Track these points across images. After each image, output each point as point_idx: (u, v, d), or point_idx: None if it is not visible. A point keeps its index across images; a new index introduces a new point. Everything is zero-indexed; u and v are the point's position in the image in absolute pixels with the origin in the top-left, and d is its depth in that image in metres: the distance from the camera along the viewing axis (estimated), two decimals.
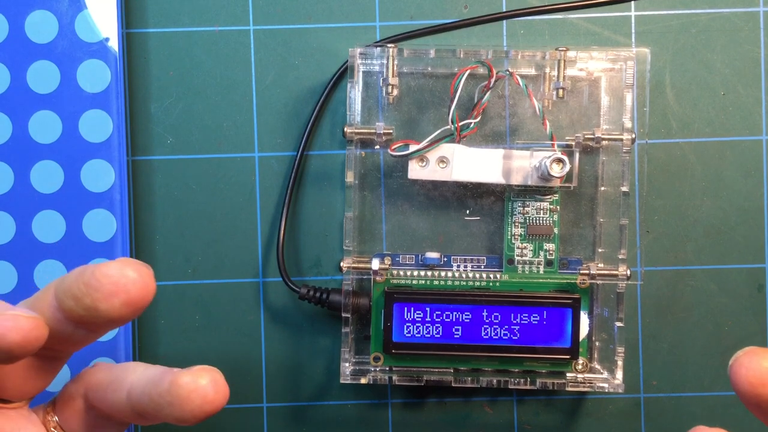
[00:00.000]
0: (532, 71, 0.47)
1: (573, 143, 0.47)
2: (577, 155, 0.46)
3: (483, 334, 0.46)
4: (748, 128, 0.49)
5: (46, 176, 0.47)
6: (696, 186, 0.49)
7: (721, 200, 0.49)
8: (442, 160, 0.46)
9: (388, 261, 0.48)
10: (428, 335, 0.46)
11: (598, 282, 0.47)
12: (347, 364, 0.47)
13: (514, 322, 0.46)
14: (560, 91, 0.46)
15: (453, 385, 0.47)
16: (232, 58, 0.49)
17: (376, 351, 0.47)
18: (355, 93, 0.46)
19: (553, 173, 0.45)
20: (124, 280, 0.32)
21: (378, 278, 0.47)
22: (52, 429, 0.37)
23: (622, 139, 0.46)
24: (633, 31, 0.49)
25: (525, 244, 0.47)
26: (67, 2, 0.47)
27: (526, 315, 0.46)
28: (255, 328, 0.49)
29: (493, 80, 0.46)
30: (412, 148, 0.46)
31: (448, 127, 0.46)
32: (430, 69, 0.47)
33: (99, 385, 0.36)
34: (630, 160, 0.46)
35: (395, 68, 0.46)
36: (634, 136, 0.46)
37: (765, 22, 0.49)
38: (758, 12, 0.49)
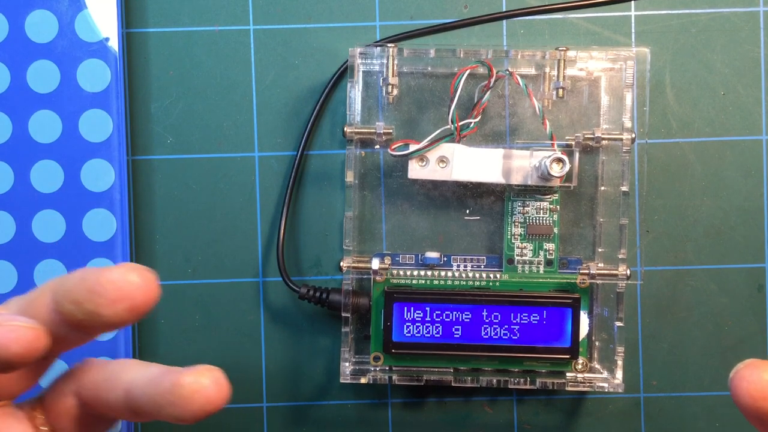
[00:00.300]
0: (532, 71, 0.47)
1: (573, 143, 0.47)
2: (577, 155, 0.46)
3: (483, 333, 0.46)
4: (748, 128, 0.49)
5: (46, 176, 0.47)
6: (696, 186, 0.49)
7: (721, 200, 0.49)
8: (442, 159, 0.46)
9: (388, 261, 0.48)
10: (428, 335, 0.46)
11: (598, 282, 0.47)
12: (347, 364, 0.47)
13: (514, 321, 0.46)
14: (560, 91, 0.46)
15: (453, 384, 0.47)
16: (232, 58, 0.49)
17: (376, 351, 0.47)
18: (355, 93, 0.46)
19: (553, 173, 0.45)
20: (128, 286, 0.32)
21: (378, 278, 0.47)
22: (40, 427, 0.36)
23: (622, 139, 0.46)
24: (633, 30, 0.49)
25: (525, 244, 0.47)
26: (67, 2, 0.47)
27: (526, 315, 0.46)
28: (255, 328, 0.49)
29: (493, 80, 0.46)
30: (412, 147, 0.46)
31: (448, 126, 0.46)
32: (430, 69, 0.48)
33: (93, 383, 0.36)
34: (630, 160, 0.46)
35: (395, 68, 0.46)
36: (634, 135, 0.46)
37: (765, 22, 0.49)
38: (758, 12, 0.49)
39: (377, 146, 0.47)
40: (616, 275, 0.46)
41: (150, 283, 0.33)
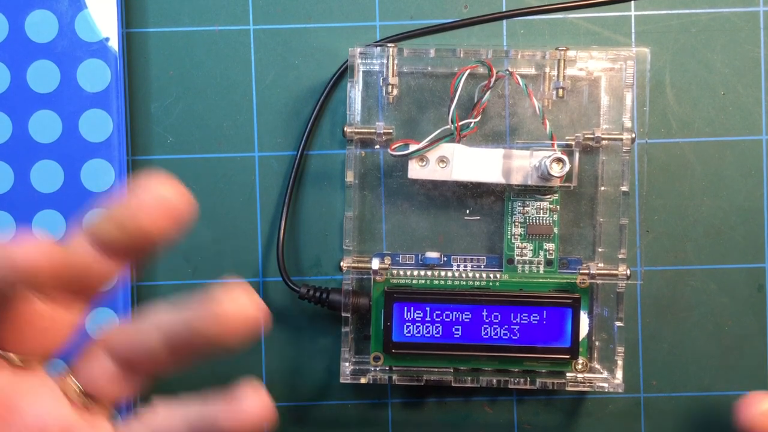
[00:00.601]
0: (532, 71, 0.47)
1: (573, 143, 0.47)
2: (577, 155, 0.46)
3: (483, 333, 0.46)
4: (748, 128, 0.49)
5: (46, 176, 0.47)
6: (696, 186, 0.49)
7: (721, 200, 0.49)
8: (442, 159, 0.46)
9: (388, 261, 0.48)
10: (428, 335, 0.46)
11: (598, 282, 0.47)
12: (347, 364, 0.47)
13: (514, 321, 0.46)
14: (560, 91, 0.46)
15: (453, 384, 0.47)
16: (232, 58, 0.49)
17: (376, 351, 0.47)
18: (355, 93, 0.46)
19: (553, 173, 0.45)
20: (167, 194, 0.33)
21: (378, 278, 0.47)
22: (74, 394, 0.35)
23: (622, 139, 0.46)
24: (633, 31, 0.49)
25: (525, 244, 0.47)
26: (67, 2, 0.47)
27: (526, 315, 0.46)
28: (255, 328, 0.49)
29: (493, 80, 0.46)
30: (412, 147, 0.46)
31: (448, 126, 0.46)
32: (430, 69, 0.47)
33: (125, 337, 0.35)
34: (630, 160, 0.46)
35: (395, 68, 0.46)
36: (634, 135, 0.46)
37: (765, 22, 0.49)
38: (758, 12, 0.49)
39: (377, 146, 0.47)
40: (616, 275, 0.46)
41: (184, 193, 0.33)
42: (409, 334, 0.46)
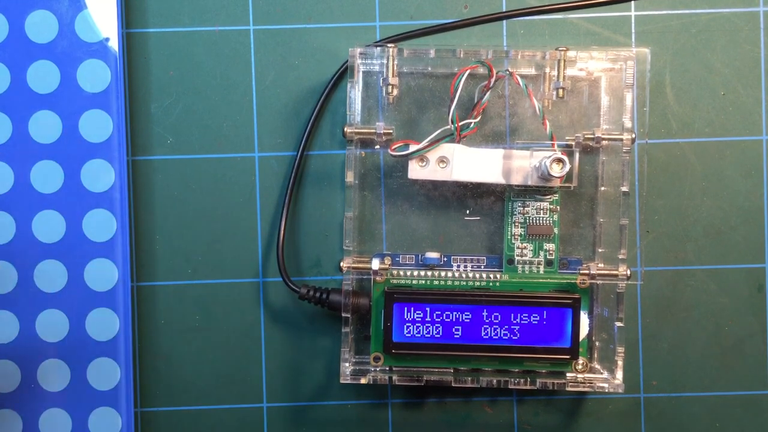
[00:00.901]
0: (532, 71, 0.47)
1: (573, 143, 0.47)
2: (577, 155, 0.46)
3: (483, 334, 0.46)
4: (748, 128, 0.49)
5: (46, 176, 0.47)
6: (696, 186, 0.49)
7: (721, 200, 0.49)
8: (442, 160, 0.46)
9: (388, 261, 0.48)
10: (428, 335, 0.46)
11: (598, 282, 0.47)
12: (347, 364, 0.47)
13: (514, 322, 0.46)
14: (560, 91, 0.46)
15: (453, 385, 0.47)
16: (232, 58, 0.49)
17: (376, 351, 0.47)
18: (355, 93, 0.46)
19: (553, 173, 0.45)
20: None
21: (378, 278, 0.47)
22: None
23: (622, 139, 0.46)
24: (633, 31, 0.49)
25: (525, 244, 0.47)
26: (67, 2, 0.47)
27: (526, 315, 0.46)
28: (255, 328, 0.49)
29: (493, 80, 0.46)
30: (412, 148, 0.46)
31: (448, 127, 0.46)
32: (430, 69, 0.47)
33: None
34: (630, 160, 0.46)
35: (395, 68, 0.46)
36: (634, 136, 0.46)
37: (765, 22, 0.49)
38: (758, 12, 0.49)
39: (377, 146, 0.47)
40: (616, 275, 0.46)
41: None
42: (409, 335, 0.46)
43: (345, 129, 0.46)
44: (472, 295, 0.46)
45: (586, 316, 0.47)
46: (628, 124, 0.46)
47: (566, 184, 0.47)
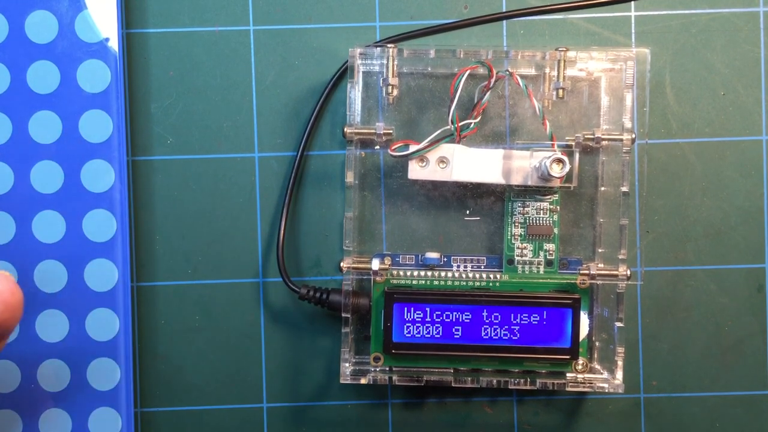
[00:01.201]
0: (532, 71, 0.47)
1: (573, 143, 0.47)
2: (577, 155, 0.46)
3: (483, 334, 0.46)
4: (748, 128, 0.49)
5: (46, 176, 0.47)
6: (696, 186, 0.49)
7: (721, 200, 0.49)
8: (442, 160, 0.46)
9: (388, 261, 0.48)
10: (428, 335, 0.46)
11: (598, 282, 0.47)
12: (347, 364, 0.47)
13: (514, 322, 0.46)
14: (560, 91, 0.46)
15: (453, 385, 0.47)
16: (232, 58, 0.49)
17: (376, 351, 0.47)
18: (355, 93, 0.46)
19: (553, 173, 0.45)
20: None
21: (378, 278, 0.47)
22: None
23: (622, 139, 0.46)
24: (633, 31, 0.49)
25: (525, 244, 0.47)
26: (67, 2, 0.47)
27: (526, 315, 0.46)
28: (255, 328, 0.49)
29: (493, 80, 0.46)
30: (412, 148, 0.46)
31: (448, 127, 0.46)
32: (430, 69, 0.47)
33: None
34: (630, 160, 0.46)
35: (395, 68, 0.46)
36: (634, 136, 0.46)
37: (765, 22, 0.49)
38: (758, 12, 0.49)
39: (377, 147, 0.47)
40: (616, 276, 0.46)
41: (12, 283, 0.34)
42: (409, 335, 0.46)
43: (345, 129, 0.46)
44: (472, 295, 0.46)
45: (586, 316, 0.47)
46: (628, 124, 0.46)
47: (566, 185, 0.47)
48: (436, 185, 0.48)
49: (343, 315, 0.47)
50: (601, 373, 0.47)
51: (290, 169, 0.49)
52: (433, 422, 0.50)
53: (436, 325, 0.46)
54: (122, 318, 0.47)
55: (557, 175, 0.45)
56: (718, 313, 0.49)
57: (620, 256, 0.46)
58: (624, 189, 0.46)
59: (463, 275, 0.47)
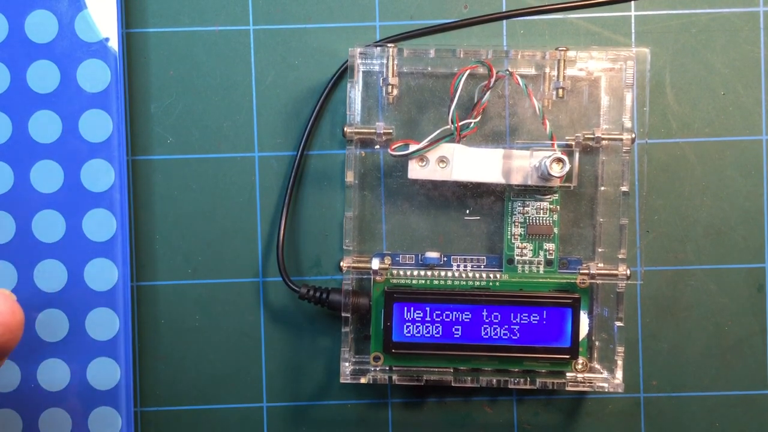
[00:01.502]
0: (532, 71, 0.47)
1: (573, 143, 0.47)
2: (577, 155, 0.46)
3: (483, 333, 0.46)
4: (748, 128, 0.49)
5: (46, 176, 0.47)
6: (696, 186, 0.49)
7: (721, 200, 0.49)
8: (442, 159, 0.46)
9: (388, 261, 0.48)
10: (428, 335, 0.46)
11: (598, 282, 0.47)
12: (347, 364, 0.47)
13: (514, 321, 0.46)
14: (560, 91, 0.46)
15: (453, 384, 0.47)
16: (232, 58, 0.49)
17: (376, 351, 0.47)
18: (355, 93, 0.46)
19: (553, 173, 0.45)
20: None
21: (378, 278, 0.47)
22: None
23: (622, 139, 0.46)
24: (633, 31, 0.49)
25: (525, 244, 0.47)
26: (67, 2, 0.47)
27: (526, 315, 0.46)
28: (255, 328, 0.49)
29: (493, 80, 0.46)
30: (412, 147, 0.46)
31: (448, 126, 0.46)
32: (430, 69, 0.47)
33: None
34: (630, 160, 0.46)
35: (395, 68, 0.46)
36: (634, 135, 0.46)
37: (765, 22, 0.49)
38: (758, 12, 0.49)
39: (377, 146, 0.47)
40: (616, 275, 0.46)
41: (13, 303, 0.34)
42: (409, 334, 0.46)
43: (345, 129, 0.46)
44: (472, 294, 0.46)
45: (586, 315, 0.47)
46: (628, 124, 0.46)
47: (566, 184, 0.47)
48: (436, 185, 0.48)
49: (343, 314, 0.47)
50: (601, 373, 0.47)
51: (290, 168, 0.49)
52: (433, 422, 0.49)
53: (436, 324, 0.46)
54: (122, 318, 0.47)
55: (557, 175, 0.45)
56: (718, 313, 0.49)
57: (620, 256, 0.46)
58: (624, 189, 0.46)
59: (463, 275, 0.47)
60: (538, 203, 0.47)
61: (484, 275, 0.47)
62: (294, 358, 0.49)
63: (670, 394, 0.49)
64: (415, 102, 0.48)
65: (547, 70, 0.46)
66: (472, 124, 0.46)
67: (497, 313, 0.46)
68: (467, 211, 0.48)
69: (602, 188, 0.47)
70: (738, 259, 0.49)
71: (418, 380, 0.47)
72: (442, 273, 0.47)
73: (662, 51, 0.49)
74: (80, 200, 0.47)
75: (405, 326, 0.46)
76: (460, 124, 0.46)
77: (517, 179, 0.46)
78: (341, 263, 0.46)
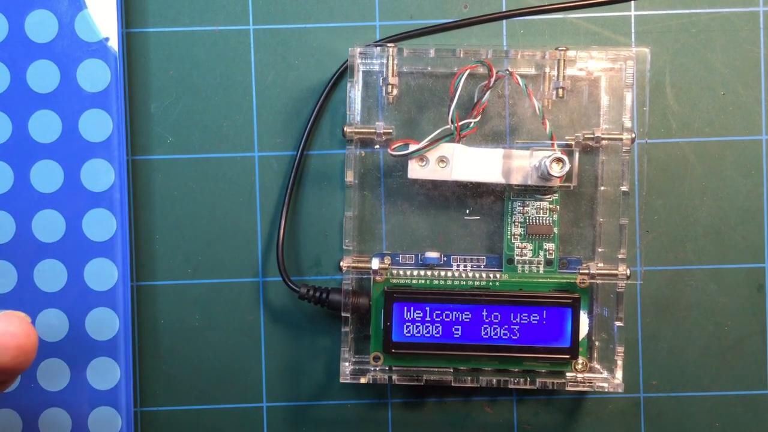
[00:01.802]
0: (532, 71, 0.47)
1: (573, 143, 0.47)
2: (576, 155, 0.46)
3: (483, 333, 0.46)
4: (748, 128, 0.49)
5: (46, 176, 0.47)
6: (696, 186, 0.49)
7: (721, 200, 0.49)
8: (442, 159, 0.46)
9: (387, 261, 0.48)
10: (428, 335, 0.46)
11: (598, 282, 0.47)
12: (347, 364, 0.47)
13: (514, 321, 0.46)
14: (560, 91, 0.46)
15: (453, 384, 0.47)
16: (232, 58, 0.49)
17: (375, 351, 0.47)
18: (355, 93, 0.46)
19: (552, 173, 0.45)
20: (9, 336, 0.35)
21: (378, 278, 0.47)
22: None
23: (621, 139, 0.46)
24: (633, 31, 0.49)
25: (525, 244, 0.47)
26: (67, 2, 0.47)
27: (526, 315, 0.46)
28: (255, 328, 0.49)
29: (493, 80, 0.46)
30: (412, 147, 0.46)
31: (448, 126, 0.46)
32: (430, 69, 0.48)
33: None
34: (630, 160, 0.46)
35: (395, 68, 0.46)
36: (633, 135, 0.46)
37: (765, 22, 0.49)
38: (758, 12, 0.49)
39: (377, 146, 0.47)
40: (616, 275, 0.46)
41: (27, 327, 0.34)
42: (409, 334, 0.46)
43: (345, 129, 0.46)
44: (472, 294, 0.46)
45: (586, 315, 0.47)
46: (627, 123, 0.46)
47: (566, 184, 0.47)
48: (436, 185, 0.48)
49: (343, 314, 0.47)
50: (601, 373, 0.47)
51: (290, 168, 0.49)
52: (433, 422, 0.49)
53: (436, 324, 0.46)
54: (122, 318, 0.47)
55: (557, 175, 0.45)
56: (718, 313, 0.49)
57: (620, 256, 0.46)
58: (624, 189, 0.46)
59: (463, 275, 0.47)
60: (538, 203, 0.47)
61: (484, 275, 0.47)
62: (294, 358, 0.49)
63: (670, 394, 0.49)
64: (415, 102, 0.48)
65: (547, 69, 0.46)
66: (472, 124, 0.46)
67: (497, 313, 0.46)
68: (467, 211, 0.48)
69: (602, 188, 0.47)
70: (738, 259, 0.49)
71: (418, 380, 0.47)
72: (442, 273, 0.47)
73: (662, 51, 0.49)
74: (80, 200, 0.47)
75: (405, 326, 0.46)
76: (460, 123, 0.46)
77: (517, 179, 0.46)
78: (341, 263, 0.46)
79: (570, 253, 0.48)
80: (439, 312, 0.46)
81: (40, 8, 0.47)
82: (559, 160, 0.45)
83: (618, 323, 0.47)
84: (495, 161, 0.46)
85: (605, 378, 0.47)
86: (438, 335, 0.46)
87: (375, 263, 0.46)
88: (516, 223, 0.47)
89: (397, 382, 0.47)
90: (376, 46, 0.46)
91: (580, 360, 0.47)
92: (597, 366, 0.48)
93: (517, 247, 0.47)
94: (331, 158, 0.49)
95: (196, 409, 0.49)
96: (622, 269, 0.46)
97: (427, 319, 0.46)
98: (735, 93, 0.49)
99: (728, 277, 0.49)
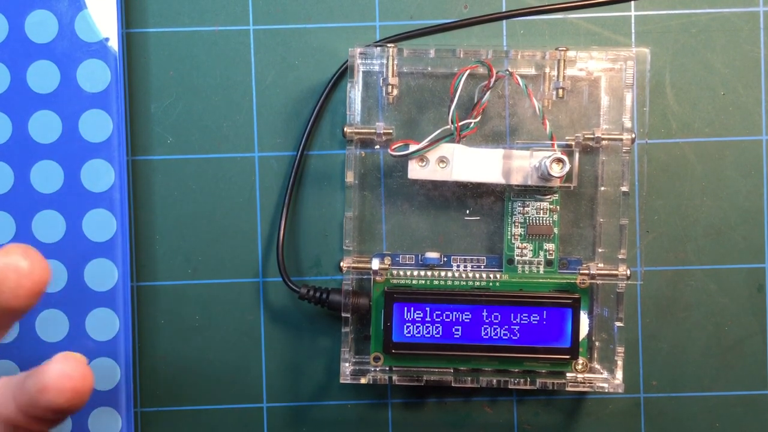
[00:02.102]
0: (532, 71, 0.47)
1: (573, 143, 0.47)
2: (576, 155, 0.46)
3: (483, 334, 0.46)
4: (748, 128, 0.49)
5: (46, 176, 0.47)
6: (696, 186, 0.49)
7: (721, 200, 0.49)
8: (442, 160, 0.46)
9: (388, 261, 0.48)
10: (428, 335, 0.46)
11: (598, 282, 0.47)
12: (347, 364, 0.47)
13: (514, 322, 0.46)
14: (560, 91, 0.46)
15: (453, 385, 0.47)
16: (232, 58, 0.49)
17: (376, 351, 0.47)
18: (355, 93, 0.46)
19: (553, 173, 0.45)
20: (65, 378, 0.35)
21: (378, 278, 0.47)
22: None
23: (621, 139, 0.46)
24: (633, 31, 0.49)
25: (525, 244, 0.47)
26: (67, 2, 0.47)
27: (526, 315, 0.46)
28: (255, 328, 0.49)
29: (493, 80, 0.46)
30: (412, 148, 0.46)
31: (448, 126, 0.46)
32: (430, 69, 0.47)
33: None
34: (630, 160, 0.46)
35: (395, 68, 0.46)
36: (633, 136, 0.46)
37: (765, 22, 0.49)
38: (758, 12, 0.49)
39: (377, 146, 0.47)
40: (616, 275, 0.46)
41: (83, 369, 0.35)
42: (409, 335, 0.46)
43: (345, 129, 0.46)
44: (472, 295, 0.46)
45: (586, 316, 0.47)
46: (628, 124, 0.46)
47: (566, 184, 0.47)
48: (436, 185, 0.48)
49: (343, 315, 0.47)
50: (601, 373, 0.47)
51: (290, 168, 0.49)
52: (433, 422, 0.49)
53: (436, 324, 0.46)
54: (122, 318, 0.47)
55: (557, 175, 0.45)
56: (718, 313, 0.49)
57: (620, 256, 0.46)
58: (624, 189, 0.46)
59: (463, 275, 0.47)
60: (538, 203, 0.47)
61: (484, 275, 0.47)
62: (294, 358, 0.49)
63: (670, 394, 0.49)
64: (415, 102, 0.48)
65: (547, 70, 0.46)
66: (472, 124, 0.46)
67: (497, 314, 0.46)
68: (467, 211, 0.48)
69: (602, 188, 0.47)
70: (738, 259, 0.49)
71: (418, 380, 0.47)
72: (442, 273, 0.47)
73: (662, 51, 0.49)
74: (80, 200, 0.47)
75: (405, 326, 0.46)
76: (460, 124, 0.46)
77: (517, 179, 0.46)
78: (341, 263, 0.46)
79: (570, 254, 0.48)
80: (439, 312, 0.46)
81: (40, 8, 0.47)
82: (559, 160, 0.45)
83: (618, 323, 0.47)
84: (495, 161, 0.46)
85: (605, 378, 0.47)
86: (438, 335, 0.46)
87: (375, 263, 0.46)
88: (516, 224, 0.47)
89: (397, 383, 0.47)
90: (376, 46, 0.46)
91: (581, 360, 0.47)
92: (597, 366, 0.48)
93: (518, 248, 0.47)
94: (331, 158, 0.49)
95: (196, 409, 0.49)
96: (623, 269, 0.46)
97: (427, 319, 0.46)
98: (735, 93, 0.49)
99: (728, 278, 0.49)
